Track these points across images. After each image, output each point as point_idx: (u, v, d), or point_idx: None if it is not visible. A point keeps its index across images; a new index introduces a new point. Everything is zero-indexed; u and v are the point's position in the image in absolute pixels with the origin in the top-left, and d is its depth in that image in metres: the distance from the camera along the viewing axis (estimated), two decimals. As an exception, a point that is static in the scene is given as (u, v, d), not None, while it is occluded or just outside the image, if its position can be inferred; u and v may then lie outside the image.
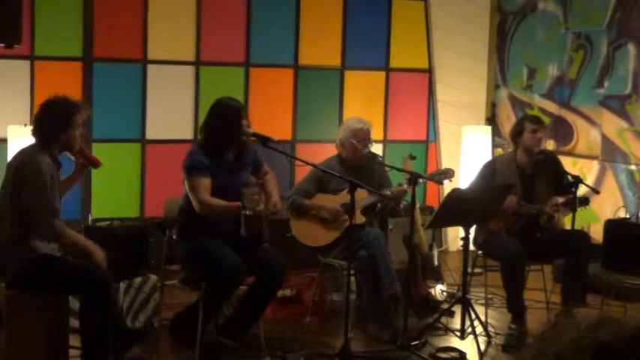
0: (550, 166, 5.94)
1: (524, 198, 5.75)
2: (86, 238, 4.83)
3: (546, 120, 6.41)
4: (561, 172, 5.96)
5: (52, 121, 4.53)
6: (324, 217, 5.78)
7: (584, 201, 5.74)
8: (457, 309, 5.67)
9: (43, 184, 4.39)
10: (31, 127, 4.63)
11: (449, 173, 5.86)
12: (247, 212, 4.87)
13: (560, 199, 5.69)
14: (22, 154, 4.59)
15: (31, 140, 4.62)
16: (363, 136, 5.83)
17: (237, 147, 5.19)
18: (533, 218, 5.77)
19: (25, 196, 4.41)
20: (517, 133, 5.87)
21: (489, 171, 5.90)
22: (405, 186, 5.65)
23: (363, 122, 5.95)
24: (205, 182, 5.02)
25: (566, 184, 5.80)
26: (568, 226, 5.85)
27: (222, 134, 5.11)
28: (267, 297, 5.28)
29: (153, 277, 5.55)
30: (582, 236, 5.93)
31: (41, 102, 4.71)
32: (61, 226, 4.52)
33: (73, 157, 4.77)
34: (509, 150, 6.15)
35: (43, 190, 4.40)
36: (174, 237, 5.34)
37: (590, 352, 1.03)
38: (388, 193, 5.68)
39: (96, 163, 4.87)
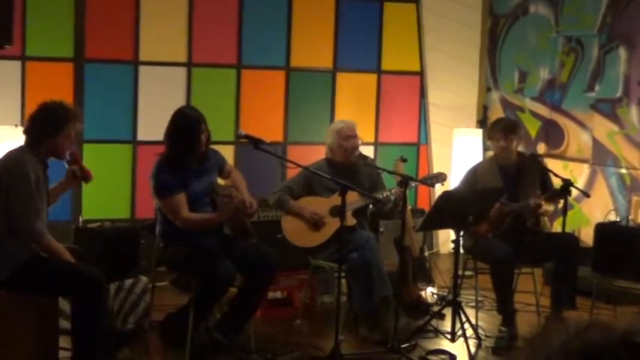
0: (533, 168, 5.94)
1: (510, 199, 5.75)
2: (64, 250, 4.55)
3: (536, 124, 6.39)
4: (545, 173, 5.96)
5: (41, 123, 4.52)
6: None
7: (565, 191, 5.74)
8: (447, 311, 5.67)
9: (27, 184, 4.36)
10: (24, 127, 4.63)
11: (441, 177, 5.88)
12: (220, 195, 4.90)
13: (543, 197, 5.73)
14: (9, 155, 4.57)
15: (21, 141, 4.61)
16: (347, 133, 5.82)
17: (198, 155, 5.18)
18: (520, 220, 5.78)
19: (11, 196, 4.39)
20: (488, 137, 5.91)
21: (471, 178, 5.93)
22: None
23: (344, 121, 5.99)
24: (180, 198, 5.01)
25: (554, 188, 5.82)
26: (558, 229, 5.86)
27: (183, 145, 5.09)
28: (259, 292, 5.29)
29: (143, 279, 5.54)
30: (571, 239, 5.94)
31: (37, 103, 4.69)
32: (41, 230, 4.46)
33: (66, 164, 4.74)
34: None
35: (28, 190, 4.37)
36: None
37: (579, 356, 1.04)
38: (380, 196, 5.68)
39: (87, 176, 4.78)
